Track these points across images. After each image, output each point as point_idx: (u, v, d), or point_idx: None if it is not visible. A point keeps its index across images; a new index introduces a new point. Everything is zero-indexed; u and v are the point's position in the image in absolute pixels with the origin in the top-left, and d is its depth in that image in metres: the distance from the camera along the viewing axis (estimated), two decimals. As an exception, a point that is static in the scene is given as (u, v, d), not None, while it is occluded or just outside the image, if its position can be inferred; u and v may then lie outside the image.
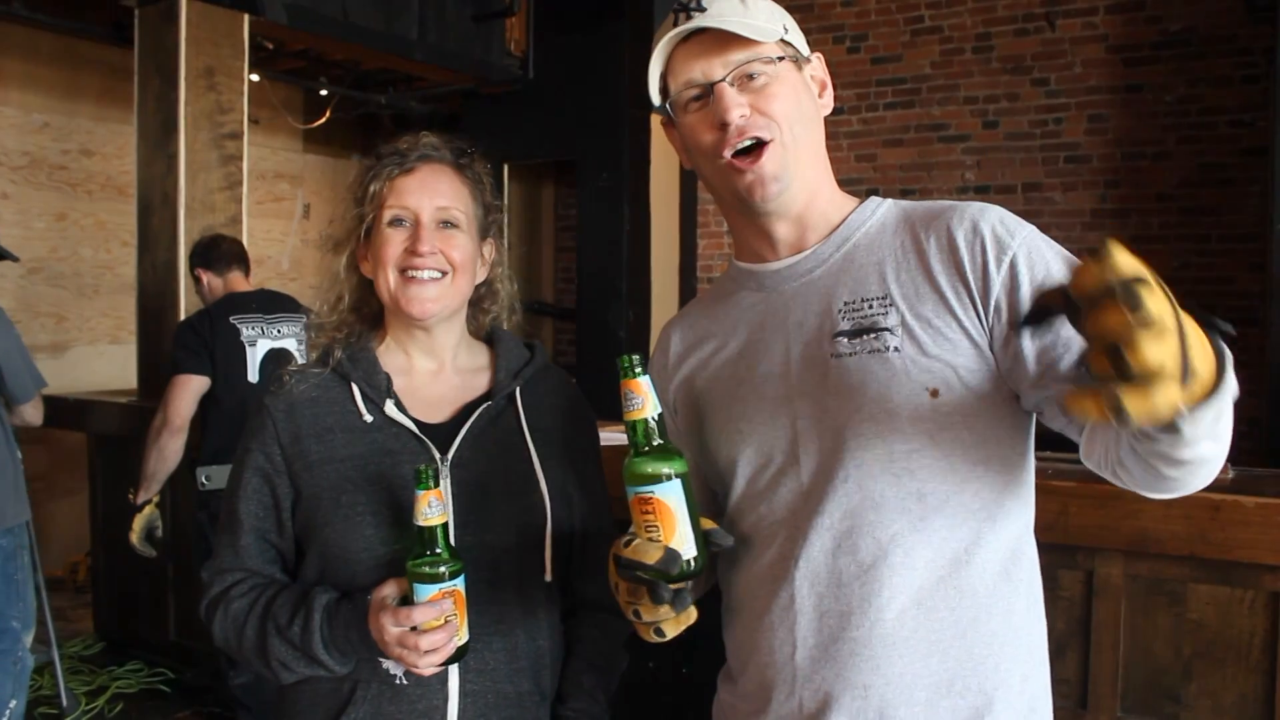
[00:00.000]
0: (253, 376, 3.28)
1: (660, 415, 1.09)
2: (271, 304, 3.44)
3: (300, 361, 2.92)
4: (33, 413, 3.31)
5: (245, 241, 3.99)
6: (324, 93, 5.97)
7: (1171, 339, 0.72)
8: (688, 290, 6.27)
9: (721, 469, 1.23)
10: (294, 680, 1.30)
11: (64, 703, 3.70)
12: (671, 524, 1.04)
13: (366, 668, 1.28)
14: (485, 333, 1.48)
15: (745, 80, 1.13)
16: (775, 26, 1.15)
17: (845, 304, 1.14)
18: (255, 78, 4.96)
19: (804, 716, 1.12)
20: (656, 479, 1.04)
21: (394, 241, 1.32)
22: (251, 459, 1.34)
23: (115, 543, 3.61)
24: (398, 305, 1.33)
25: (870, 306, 1.12)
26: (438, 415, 1.37)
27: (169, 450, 3.25)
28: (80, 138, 5.45)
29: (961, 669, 1.09)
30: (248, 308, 3.36)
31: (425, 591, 1.16)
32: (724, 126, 1.12)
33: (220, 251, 3.52)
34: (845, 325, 1.13)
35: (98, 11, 4.75)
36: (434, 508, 1.16)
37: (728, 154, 1.14)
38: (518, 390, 1.41)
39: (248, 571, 1.34)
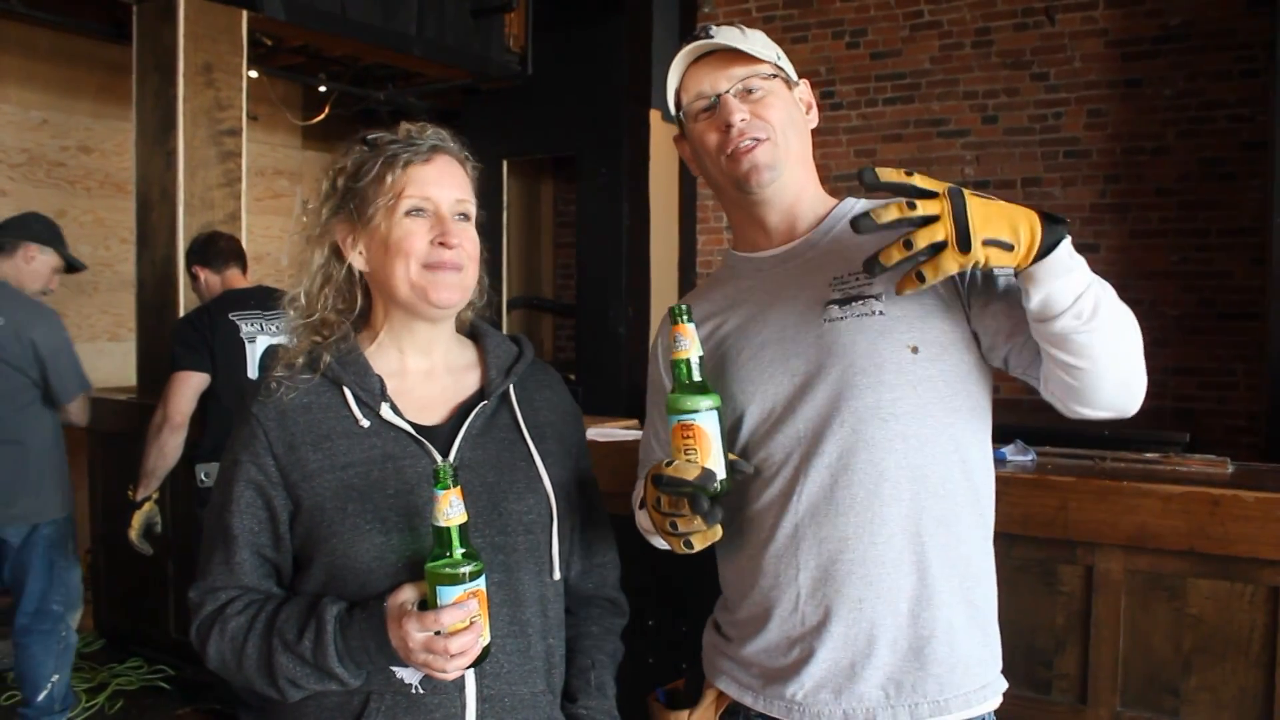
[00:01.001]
0: (253, 373, 3.27)
1: (701, 356, 1.27)
2: (270, 300, 3.42)
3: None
4: (77, 412, 3.45)
5: (244, 238, 3.99)
6: (323, 89, 5.95)
7: (936, 231, 1.09)
8: (687, 285, 6.27)
9: (727, 427, 1.36)
10: (301, 697, 1.26)
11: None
12: (707, 448, 1.22)
13: (379, 679, 1.24)
14: (467, 328, 1.45)
15: (745, 94, 1.35)
16: (769, 52, 1.38)
17: (835, 278, 1.33)
18: (254, 74, 4.95)
19: (807, 628, 1.30)
20: (696, 410, 1.23)
21: (417, 233, 1.28)
22: (242, 471, 1.28)
23: (116, 540, 3.62)
24: (423, 296, 1.29)
25: (857, 279, 1.31)
26: (433, 417, 1.34)
27: (169, 447, 3.26)
28: (79, 134, 5.44)
29: (939, 587, 1.28)
30: (246, 304, 3.36)
31: (449, 593, 1.13)
32: (727, 128, 1.34)
33: (217, 248, 3.52)
34: (836, 295, 1.32)
35: (96, 8, 4.74)
36: (455, 507, 1.14)
37: (729, 150, 1.34)
38: (511, 388, 1.39)
39: (242, 588, 1.28)
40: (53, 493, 3.39)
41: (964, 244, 1.08)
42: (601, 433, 2.68)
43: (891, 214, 1.09)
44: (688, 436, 1.23)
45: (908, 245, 1.09)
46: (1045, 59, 5.32)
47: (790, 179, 1.37)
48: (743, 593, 1.38)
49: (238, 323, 3.32)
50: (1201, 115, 4.97)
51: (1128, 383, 1.22)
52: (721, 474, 1.22)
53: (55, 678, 3.37)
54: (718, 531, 1.22)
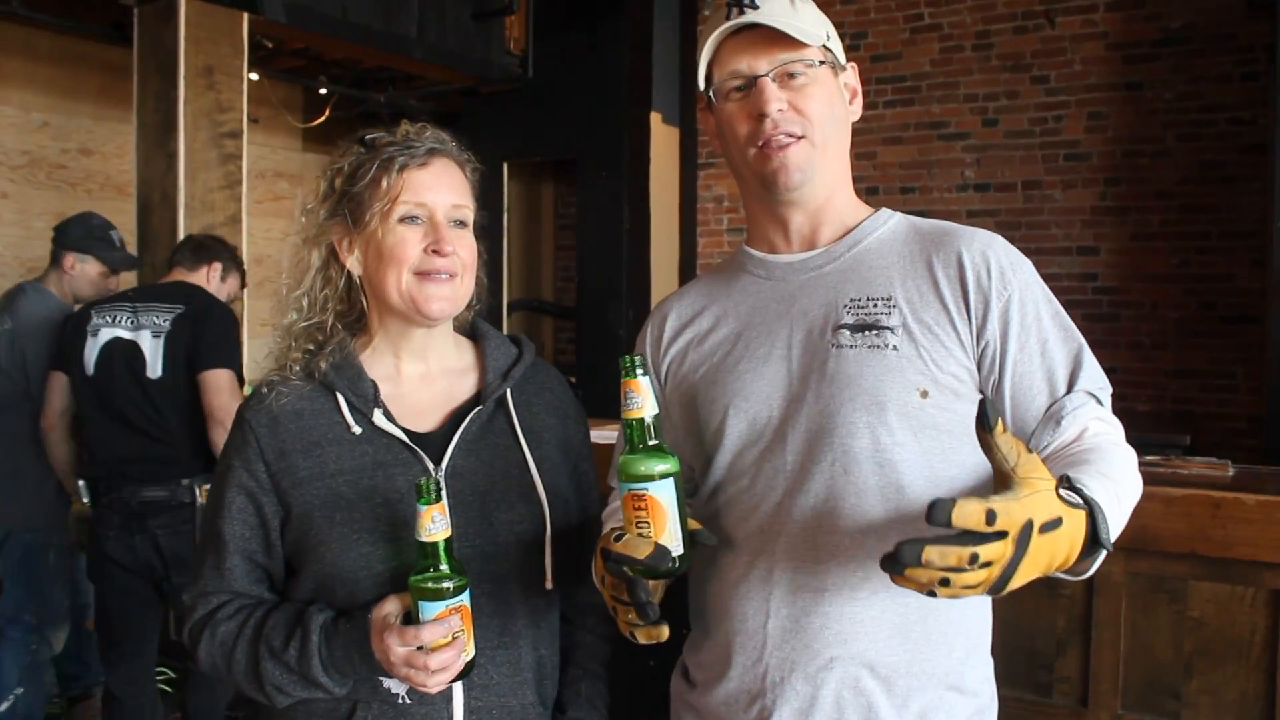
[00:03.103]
0: (89, 369, 2.98)
1: (657, 415, 1.12)
2: (153, 293, 3.13)
3: (147, 357, 2.80)
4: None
5: (244, 241, 4.00)
6: (323, 91, 5.96)
7: (978, 575, 0.89)
8: (687, 288, 6.26)
9: (708, 441, 1.27)
10: (288, 703, 1.25)
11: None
12: (662, 521, 1.08)
13: (365, 687, 1.23)
14: (467, 327, 1.42)
15: (786, 78, 1.21)
16: (819, 32, 1.22)
17: (851, 300, 1.21)
18: (254, 76, 4.95)
19: (768, 684, 1.18)
20: (650, 477, 1.08)
21: (410, 240, 1.25)
22: (234, 476, 1.27)
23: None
24: (414, 305, 1.26)
25: (875, 305, 1.19)
26: (427, 423, 1.32)
27: (47, 450, 3.20)
28: (80, 137, 5.44)
29: (919, 652, 1.16)
30: (127, 295, 3.12)
31: (431, 609, 1.13)
32: (761, 118, 1.19)
33: (179, 245, 3.41)
34: (849, 319, 1.19)
35: (97, 11, 4.74)
36: (437, 523, 1.13)
37: (760, 143, 1.20)
38: (509, 392, 1.36)
39: (233, 593, 1.28)
40: (29, 501, 3.29)
41: (996, 590, 0.92)
42: (602, 435, 2.68)
43: (949, 562, 0.88)
44: (639, 508, 1.08)
45: (944, 584, 0.90)
46: (1045, 62, 5.32)
47: (822, 180, 1.24)
48: (707, 630, 1.27)
49: (90, 313, 3.04)
50: (1202, 118, 4.97)
51: None
52: (677, 550, 1.08)
53: (19, 691, 3.29)
54: (663, 631, 1.11)
